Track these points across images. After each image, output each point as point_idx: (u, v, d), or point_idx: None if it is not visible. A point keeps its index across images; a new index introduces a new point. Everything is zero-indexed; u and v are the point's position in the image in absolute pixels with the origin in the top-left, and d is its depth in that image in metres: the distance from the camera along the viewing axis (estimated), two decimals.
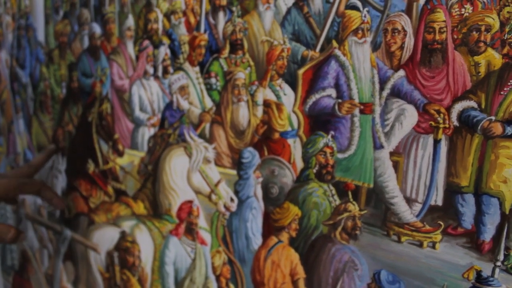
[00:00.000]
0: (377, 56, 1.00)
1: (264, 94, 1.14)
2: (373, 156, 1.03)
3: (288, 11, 1.08)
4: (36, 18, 1.71)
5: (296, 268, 1.21)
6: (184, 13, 1.25)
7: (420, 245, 1.02)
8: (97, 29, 1.50)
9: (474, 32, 0.89)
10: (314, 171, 1.11)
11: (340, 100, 1.05)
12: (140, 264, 1.51)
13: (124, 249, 1.57)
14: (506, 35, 0.86)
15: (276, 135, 1.16)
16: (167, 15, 1.30)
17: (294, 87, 1.11)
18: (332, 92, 1.05)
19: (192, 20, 1.23)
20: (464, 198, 0.94)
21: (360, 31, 0.99)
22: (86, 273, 1.69)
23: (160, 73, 1.36)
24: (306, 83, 1.09)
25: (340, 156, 1.07)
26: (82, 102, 1.61)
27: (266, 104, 1.15)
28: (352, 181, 1.06)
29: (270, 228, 1.23)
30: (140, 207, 1.51)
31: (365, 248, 1.07)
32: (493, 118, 0.90)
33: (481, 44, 0.89)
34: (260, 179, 1.19)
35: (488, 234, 0.93)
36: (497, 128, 0.89)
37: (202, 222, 1.32)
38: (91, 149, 1.58)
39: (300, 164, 1.12)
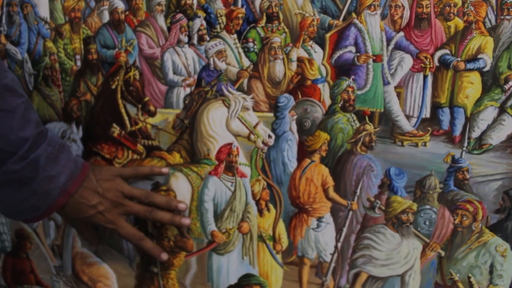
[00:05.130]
0: (385, 23, 1.68)
1: (297, 53, 1.73)
2: (383, 90, 1.70)
3: None
4: None
5: (326, 179, 1.83)
6: None
7: (416, 145, 1.73)
8: (120, 4, 1.90)
9: (447, 7, 1.61)
10: (339, 105, 1.75)
11: (358, 54, 1.70)
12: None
13: None
14: (465, 9, 1.59)
15: (308, 82, 1.76)
16: None
17: (322, 46, 1.72)
18: (352, 48, 1.70)
19: None
20: (443, 110, 1.69)
21: (372, 6, 1.65)
22: (108, 232, 2.01)
23: (195, 40, 1.83)
24: (332, 43, 1.72)
25: (358, 92, 1.73)
26: (103, 72, 1.96)
27: (300, 59, 1.75)
28: (368, 109, 1.73)
29: (304, 153, 1.82)
30: (176, 158, 1.95)
31: (378, 154, 1.74)
32: (459, 59, 1.63)
33: (451, 15, 1.62)
34: (295, 117, 1.78)
35: (458, 131, 1.68)
36: (462, 65, 1.64)
37: (241, 159, 1.85)
38: (116, 114, 1.95)
39: (328, 102, 1.74)
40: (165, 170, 1.82)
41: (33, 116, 1.35)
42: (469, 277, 1.77)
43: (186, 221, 1.73)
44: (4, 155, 1.21)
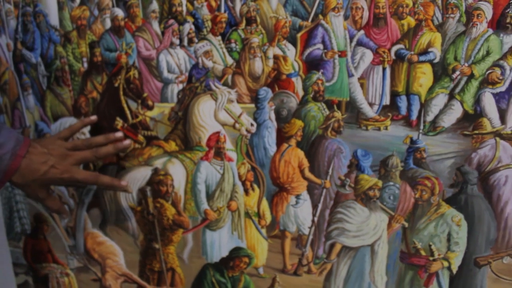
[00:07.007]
0: (348, 23, 1.95)
1: (273, 51, 2.02)
2: (348, 81, 1.98)
3: None
4: (48, 5, 2.31)
5: (302, 161, 2.12)
6: None
7: (379, 129, 2.00)
8: (120, 12, 2.21)
9: (400, 7, 1.88)
10: (311, 96, 2.03)
11: (326, 50, 1.98)
12: (173, 190, 2.22)
13: (157, 182, 2.25)
14: (416, 9, 1.86)
15: (284, 76, 2.05)
16: (190, 0, 2.08)
17: (294, 45, 2.01)
18: (320, 46, 1.98)
19: (214, 4, 2.05)
20: (401, 98, 1.96)
21: (336, 8, 1.93)
22: (114, 214, 2.30)
23: (185, 43, 2.13)
24: (303, 42, 2.00)
25: (327, 84, 2.01)
26: (107, 72, 2.27)
27: (275, 57, 2.03)
28: (336, 98, 2.01)
29: (282, 138, 2.11)
30: (172, 145, 2.25)
31: (346, 138, 2.02)
32: (412, 52, 1.90)
33: (404, 14, 1.89)
34: (273, 107, 2.06)
35: (414, 115, 1.95)
36: (415, 58, 1.91)
37: (228, 145, 2.14)
38: (119, 108, 2.25)
39: (301, 93, 2.03)
40: (127, 142, 1.63)
41: None
42: (430, 245, 2.02)
43: (126, 142, 1.60)
44: None
